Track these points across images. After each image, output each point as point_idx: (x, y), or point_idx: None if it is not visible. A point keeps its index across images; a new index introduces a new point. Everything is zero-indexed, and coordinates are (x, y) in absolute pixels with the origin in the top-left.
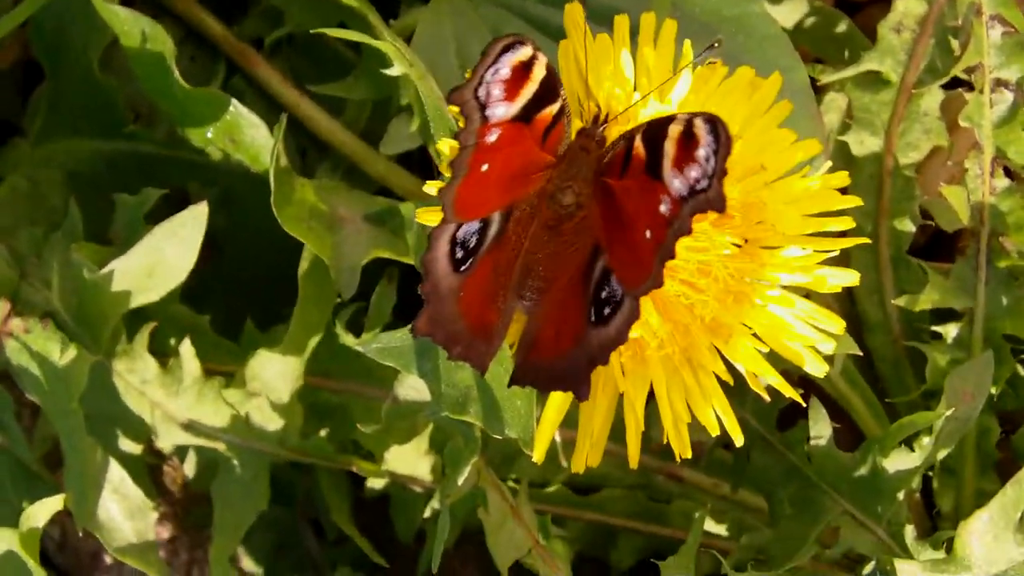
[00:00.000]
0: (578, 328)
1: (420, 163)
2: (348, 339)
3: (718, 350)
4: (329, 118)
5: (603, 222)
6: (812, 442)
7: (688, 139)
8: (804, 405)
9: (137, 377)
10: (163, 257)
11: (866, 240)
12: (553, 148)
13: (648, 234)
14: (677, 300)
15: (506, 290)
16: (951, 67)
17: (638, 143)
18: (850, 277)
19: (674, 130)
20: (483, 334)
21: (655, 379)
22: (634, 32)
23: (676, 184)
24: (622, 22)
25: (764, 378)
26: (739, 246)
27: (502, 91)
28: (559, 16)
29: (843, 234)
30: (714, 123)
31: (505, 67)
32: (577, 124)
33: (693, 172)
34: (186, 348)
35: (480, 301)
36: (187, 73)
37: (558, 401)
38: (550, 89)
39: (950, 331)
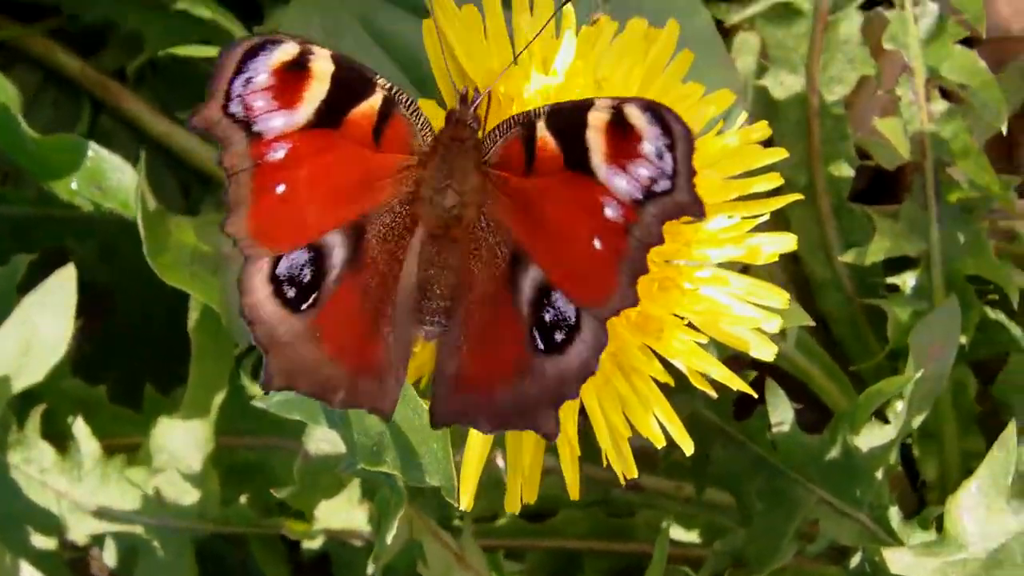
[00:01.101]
0: (518, 355)
1: None
2: (256, 391)
3: (651, 349)
4: (206, 147)
5: (519, 227)
6: (774, 429)
7: (621, 129)
8: (756, 395)
9: (35, 467)
10: (36, 332)
11: (799, 196)
12: (400, 146)
13: (597, 243)
14: None
15: (388, 317)
16: None
17: (544, 134)
18: (787, 241)
19: (597, 119)
20: (371, 373)
21: (584, 394)
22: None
23: (621, 184)
24: None
25: (708, 372)
26: None
27: (270, 100)
28: None
29: (773, 193)
30: (656, 111)
31: (262, 73)
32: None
33: (643, 170)
34: (80, 428)
35: (353, 336)
36: (51, 120)
37: (479, 441)
38: (356, 82)
39: (907, 280)
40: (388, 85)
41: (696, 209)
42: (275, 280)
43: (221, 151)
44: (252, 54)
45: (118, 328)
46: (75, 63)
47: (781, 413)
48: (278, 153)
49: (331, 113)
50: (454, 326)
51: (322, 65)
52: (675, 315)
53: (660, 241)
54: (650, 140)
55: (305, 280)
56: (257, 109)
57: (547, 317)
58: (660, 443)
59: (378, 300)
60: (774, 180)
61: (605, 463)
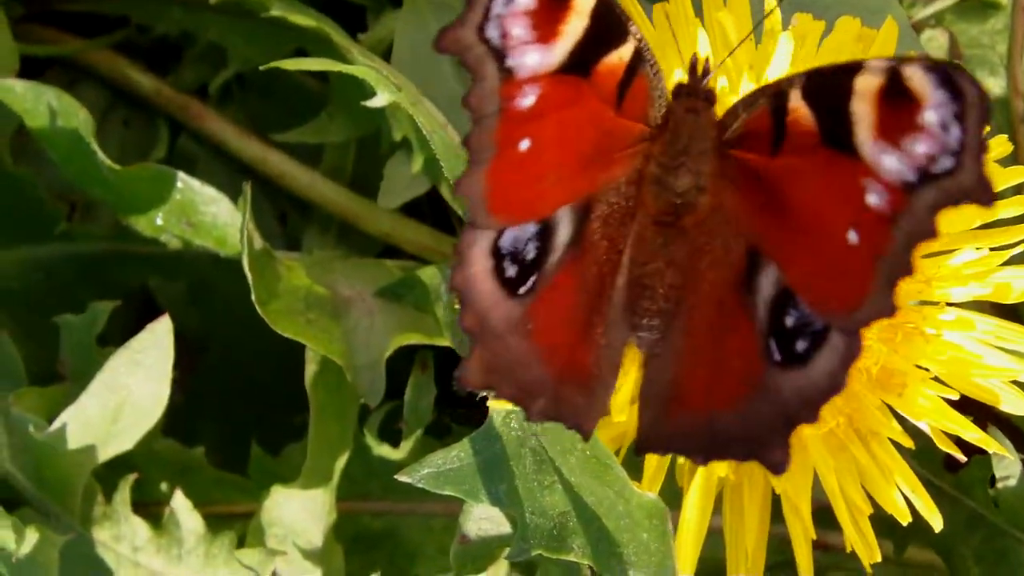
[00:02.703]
0: (749, 368)
1: (433, 209)
2: (384, 451)
3: (890, 407)
4: (306, 170)
5: (758, 216)
6: (999, 483)
7: (896, 97)
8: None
9: (126, 545)
10: (128, 395)
11: None
12: (638, 111)
13: (853, 236)
14: None
15: (603, 316)
16: None
17: (796, 104)
18: None
19: (866, 84)
20: (577, 381)
21: (820, 466)
22: None
23: (891, 164)
24: None
25: (960, 434)
26: None
27: (528, 28)
28: None
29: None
30: (945, 73)
31: None
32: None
33: (920, 146)
34: (179, 501)
35: (564, 334)
36: (123, 144)
37: (694, 521)
38: (610, 23)
39: None
40: (639, 35)
41: (984, 195)
42: (496, 254)
43: (471, 86)
44: None
45: (212, 377)
46: (148, 81)
47: (1007, 465)
48: (527, 99)
49: (583, 57)
50: (673, 333)
51: None
52: (918, 367)
53: (933, 235)
54: (934, 108)
55: (528, 258)
56: (515, 38)
57: (789, 322)
58: (906, 519)
59: (594, 294)
60: (1021, 204)
61: (849, 548)
